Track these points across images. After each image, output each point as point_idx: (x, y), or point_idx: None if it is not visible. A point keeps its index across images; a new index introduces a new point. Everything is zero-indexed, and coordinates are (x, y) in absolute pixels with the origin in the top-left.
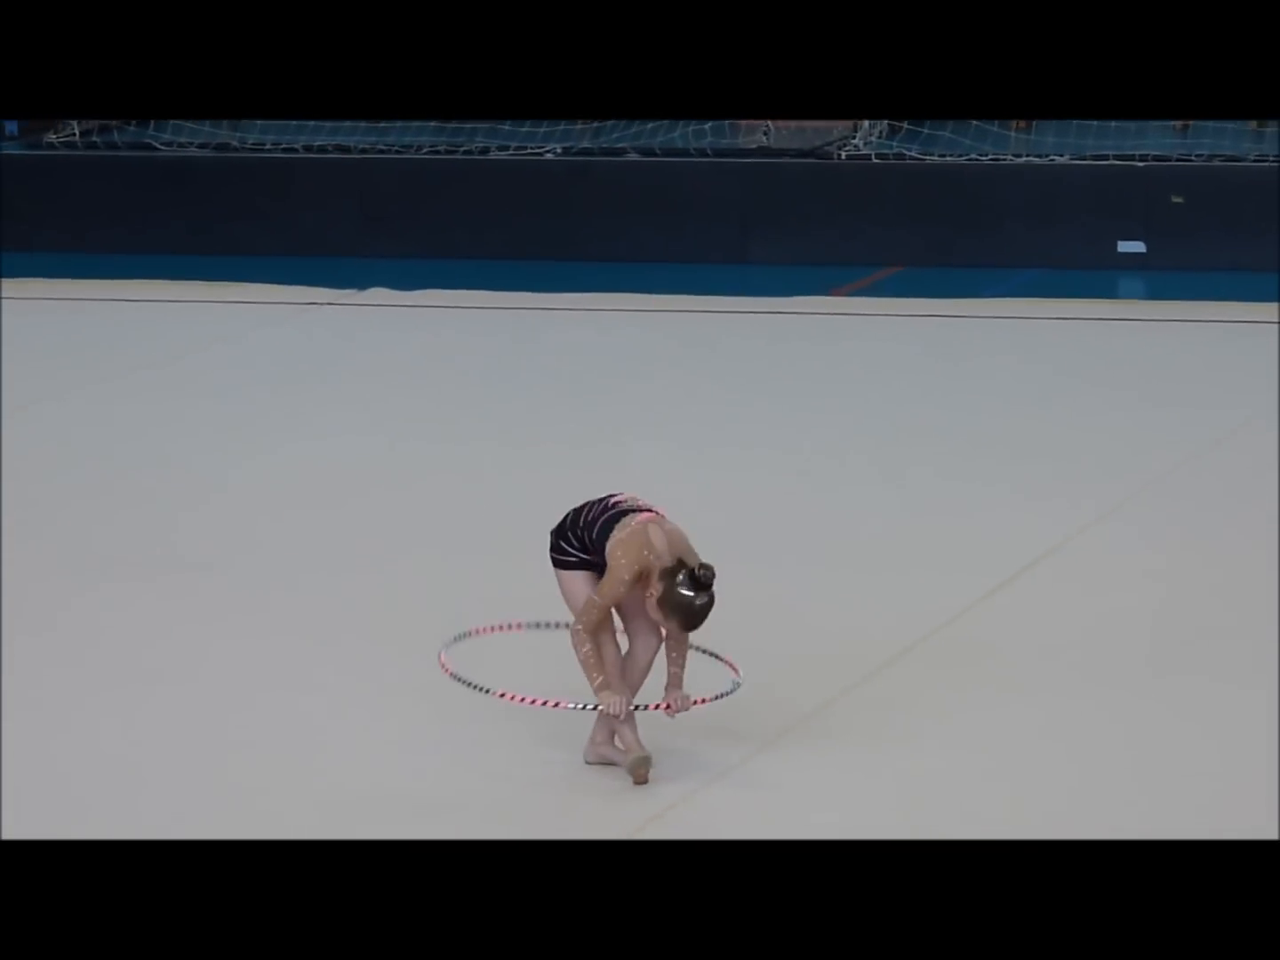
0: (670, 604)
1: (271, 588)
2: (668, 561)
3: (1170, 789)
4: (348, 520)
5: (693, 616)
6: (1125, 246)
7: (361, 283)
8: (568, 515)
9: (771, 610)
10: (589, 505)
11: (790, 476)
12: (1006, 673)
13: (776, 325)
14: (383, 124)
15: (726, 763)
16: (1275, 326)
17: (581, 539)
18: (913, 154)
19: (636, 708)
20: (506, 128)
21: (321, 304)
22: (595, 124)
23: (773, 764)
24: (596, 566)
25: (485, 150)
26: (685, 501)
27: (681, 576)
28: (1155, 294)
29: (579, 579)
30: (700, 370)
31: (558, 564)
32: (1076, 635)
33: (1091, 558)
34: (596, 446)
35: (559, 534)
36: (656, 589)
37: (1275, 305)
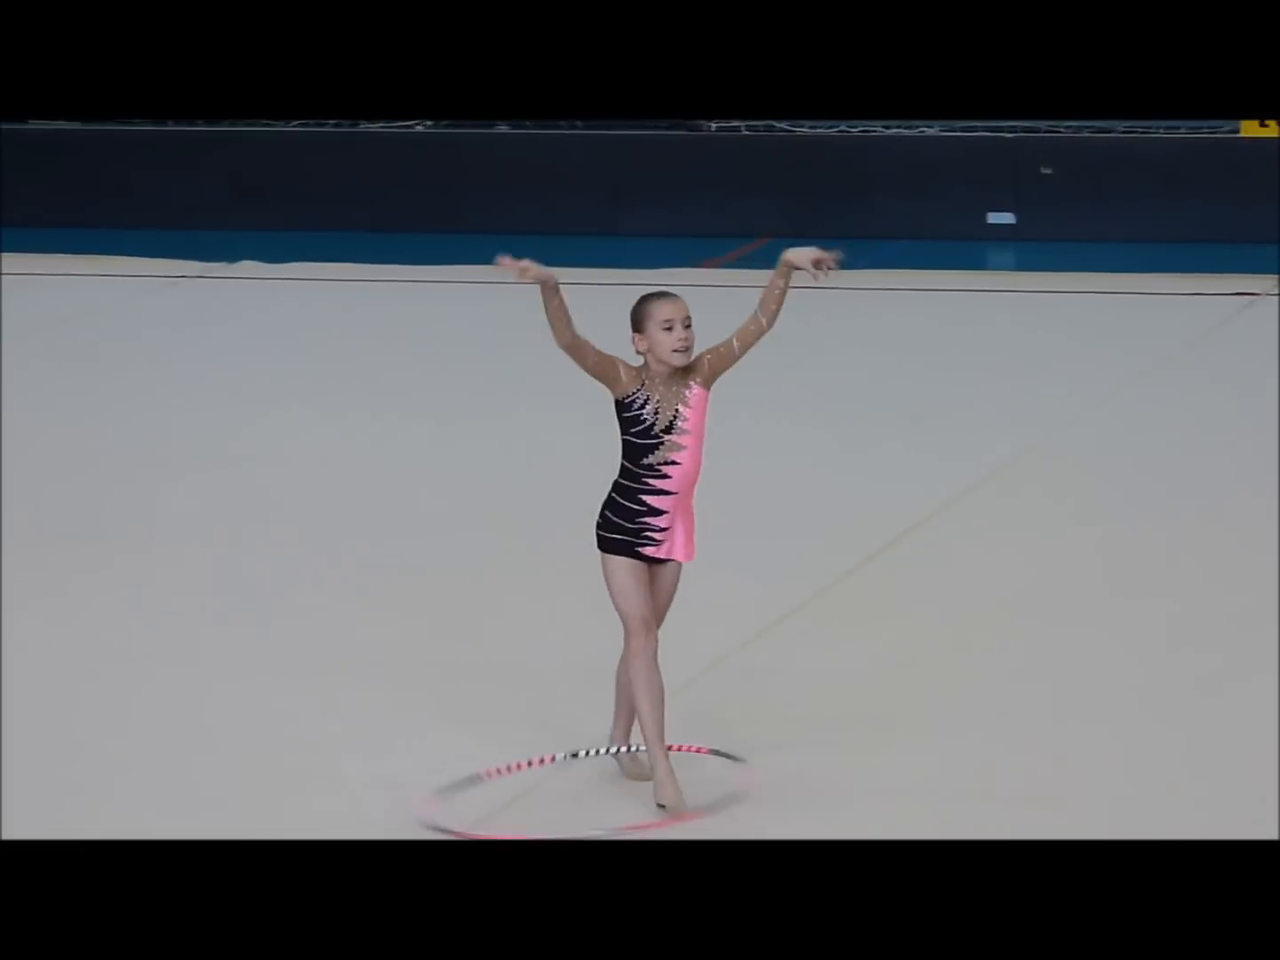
0: (639, 316)
1: (127, 560)
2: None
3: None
4: (216, 493)
5: (651, 297)
6: (995, 218)
7: (231, 255)
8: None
9: None
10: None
11: None
12: (893, 637)
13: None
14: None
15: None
16: (1142, 297)
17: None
18: (783, 126)
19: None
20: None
21: (191, 277)
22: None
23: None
24: (630, 547)
25: (355, 122)
26: (562, 471)
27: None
28: (1025, 265)
29: (622, 569)
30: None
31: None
32: (955, 601)
33: (964, 527)
34: (470, 419)
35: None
36: (637, 340)
37: (1142, 275)
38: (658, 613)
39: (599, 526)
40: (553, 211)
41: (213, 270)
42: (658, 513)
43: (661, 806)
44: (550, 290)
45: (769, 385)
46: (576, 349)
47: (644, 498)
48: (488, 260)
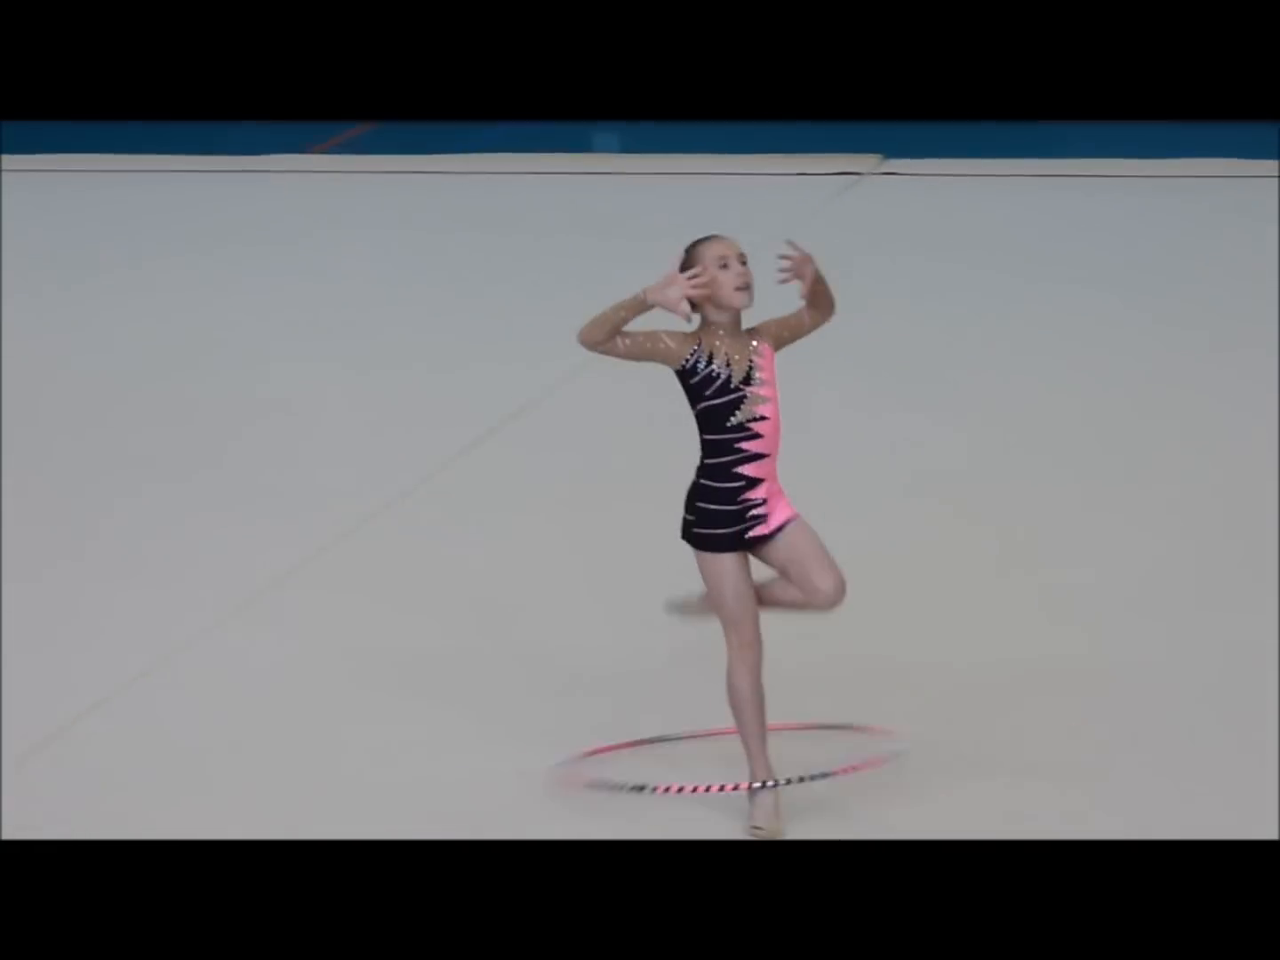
0: (690, 262)
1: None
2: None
3: None
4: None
5: (700, 240)
6: None
7: None
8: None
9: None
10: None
11: (250, 341)
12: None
13: (253, 184)
14: None
15: None
16: (747, 178)
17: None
18: None
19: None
20: None
21: None
22: None
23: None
24: (739, 535)
25: None
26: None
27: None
28: (629, 147)
29: (732, 571)
30: (172, 232)
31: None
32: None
33: (569, 414)
34: (67, 309)
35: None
36: (689, 283)
37: (747, 156)
38: (825, 562)
39: (693, 525)
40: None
41: None
42: (755, 483)
43: (757, 829)
44: (641, 307)
45: (375, 269)
46: (609, 347)
47: (738, 469)
48: (77, 149)
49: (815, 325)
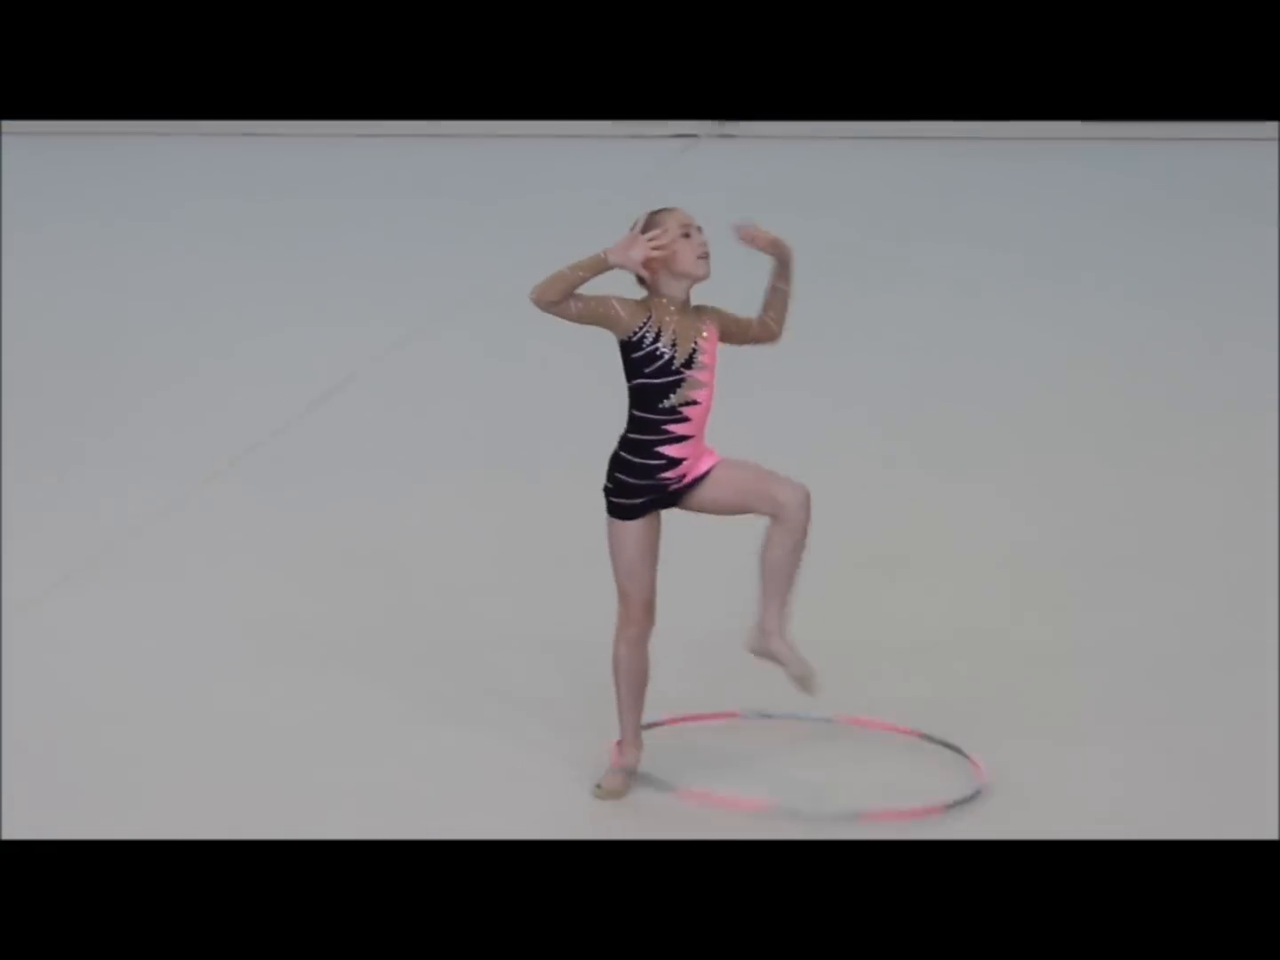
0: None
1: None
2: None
3: None
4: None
5: (656, 211)
6: None
7: None
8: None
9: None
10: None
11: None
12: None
13: (74, 150)
14: None
15: None
16: (583, 140)
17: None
18: None
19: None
20: None
21: None
22: None
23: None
24: (651, 504)
25: None
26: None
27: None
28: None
29: (633, 541)
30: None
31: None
32: (398, 446)
33: (401, 377)
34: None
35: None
36: (657, 249)
37: (583, 122)
38: (775, 475)
39: (610, 493)
40: None
41: None
42: (676, 463)
43: (598, 787)
44: (600, 267)
45: (203, 237)
46: (561, 308)
47: (661, 449)
48: None
49: (757, 340)
